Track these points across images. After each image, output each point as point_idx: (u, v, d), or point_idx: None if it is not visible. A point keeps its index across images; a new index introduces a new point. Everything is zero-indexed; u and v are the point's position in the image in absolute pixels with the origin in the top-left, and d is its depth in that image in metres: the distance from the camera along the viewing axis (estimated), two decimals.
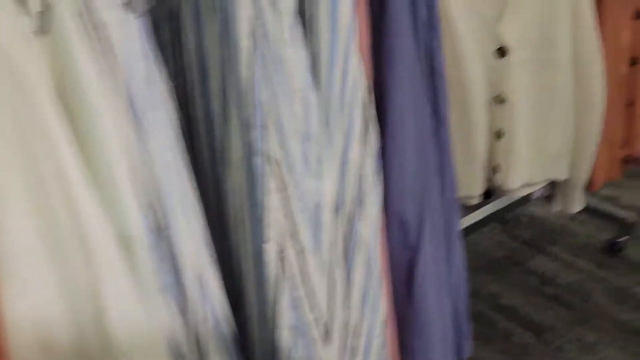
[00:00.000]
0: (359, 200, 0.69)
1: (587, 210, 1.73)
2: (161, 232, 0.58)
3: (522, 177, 1.11)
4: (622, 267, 1.62)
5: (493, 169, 1.10)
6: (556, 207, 1.24)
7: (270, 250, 0.66)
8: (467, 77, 0.99)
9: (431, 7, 0.74)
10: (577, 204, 1.21)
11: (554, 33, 1.04)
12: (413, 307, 0.81)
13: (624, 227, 1.66)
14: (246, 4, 0.57)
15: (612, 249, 1.67)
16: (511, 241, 1.78)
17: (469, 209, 1.48)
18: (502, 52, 1.01)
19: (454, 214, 0.86)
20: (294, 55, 0.59)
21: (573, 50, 1.06)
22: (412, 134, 0.73)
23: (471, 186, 1.09)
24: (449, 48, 0.96)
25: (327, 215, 0.66)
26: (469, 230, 1.69)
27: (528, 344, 1.39)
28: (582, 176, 1.17)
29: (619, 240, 1.66)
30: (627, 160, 1.36)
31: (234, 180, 0.67)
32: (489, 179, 1.13)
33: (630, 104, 1.28)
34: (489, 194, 1.18)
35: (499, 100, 1.04)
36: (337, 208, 0.68)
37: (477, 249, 1.74)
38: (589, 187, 1.22)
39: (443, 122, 0.80)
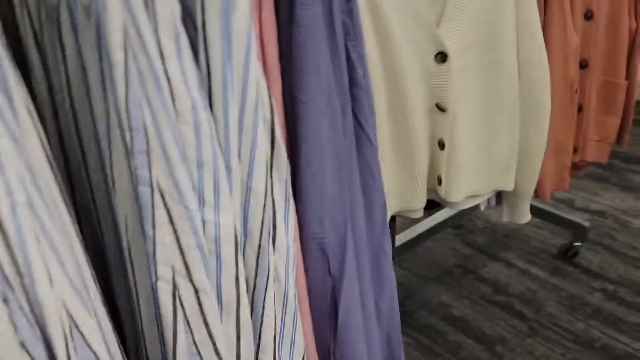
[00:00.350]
0: (268, 232, 0.61)
1: (542, 214, 1.69)
2: (21, 280, 0.49)
3: (466, 189, 1.04)
4: (576, 274, 1.58)
5: (437, 179, 1.04)
6: (505, 217, 1.18)
7: (164, 290, 0.58)
8: (405, 84, 0.92)
9: (350, 12, 0.66)
10: (525, 215, 1.15)
11: (498, 33, 0.97)
12: (338, 341, 0.73)
13: (579, 232, 1.62)
14: (116, 6, 0.48)
15: (567, 254, 1.63)
16: (465, 247, 1.73)
17: (425, 214, 1.42)
18: (442, 57, 0.94)
19: (384, 237, 0.78)
20: (177, 70, 0.50)
21: (517, 51, 1.00)
22: (330, 154, 0.66)
23: (413, 200, 1.02)
24: (384, 54, 0.89)
25: (227, 251, 0.57)
26: (422, 237, 1.64)
27: (478, 359, 1.33)
28: (530, 186, 1.11)
29: (574, 245, 1.62)
30: (580, 166, 1.31)
31: (124, 211, 0.58)
32: (434, 190, 1.07)
33: (580, 109, 1.22)
34: (432, 204, 1.11)
35: (439, 108, 0.97)
36: (241, 242, 0.59)
37: (430, 256, 1.69)
38: (539, 196, 1.16)
39: (369, 139, 0.72)
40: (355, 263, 0.72)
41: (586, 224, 1.61)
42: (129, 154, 0.55)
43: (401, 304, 0.82)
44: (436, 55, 0.94)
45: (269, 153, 0.59)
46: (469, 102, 0.98)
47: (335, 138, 0.66)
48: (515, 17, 0.97)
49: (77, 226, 0.57)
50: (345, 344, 0.75)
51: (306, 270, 0.69)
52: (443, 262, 1.66)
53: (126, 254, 0.62)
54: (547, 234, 1.73)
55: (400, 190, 1.02)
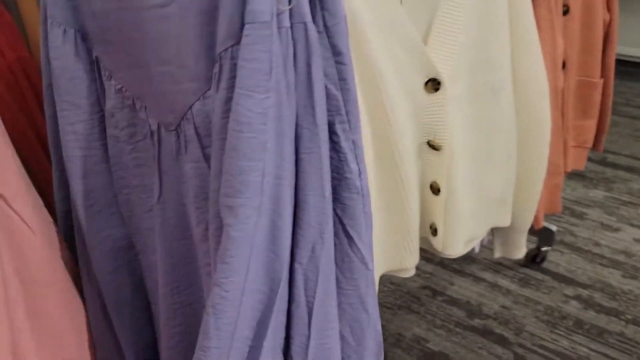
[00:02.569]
0: None
1: None
2: None
3: (464, 236, 0.87)
4: (547, 282, 1.48)
5: (431, 228, 0.85)
6: (497, 253, 1.02)
7: None
8: (394, 125, 0.72)
9: (343, 80, 0.43)
10: (522, 249, 1.00)
11: (492, 51, 0.79)
12: None
13: (546, 236, 1.51)
14: None
15: (534, 260, 1.52)
16: (426, 264, 1.57)
17: None
18: (433, 85, 0.74)
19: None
20: None
21: (513, 68, 0.83)
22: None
23: (405, 258, 0.83)
24: (368, 92, 0.68)
25: None
26: None
27: None
28: (529, 217, 0.95)
29: (541, 250, 1.51)
30: None
31: None
32: (425, 240, 0.88)
33: (562, 115, 1.08)
34: None
35: (432, 147, 0.78)
36: None
37: (394, 280, 1.52)
38: (532, 226, 1.01)
39: (362, 260, 0.50)
40: None
41: (553, 227, 1.50)
42: None
43: None
44: (426, 84, 0.74)
45: None
46: (464, 136, 0.80)
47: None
48: (511, 34, 0.80)
49: None
50: None
51: None
52: (408, 285, 1.50)
53: None
54: None
55: (389, 248, 0.82)
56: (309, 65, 0.41)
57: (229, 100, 0.39)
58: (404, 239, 0.82)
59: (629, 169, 1.92)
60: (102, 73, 0.47)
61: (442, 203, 0.81)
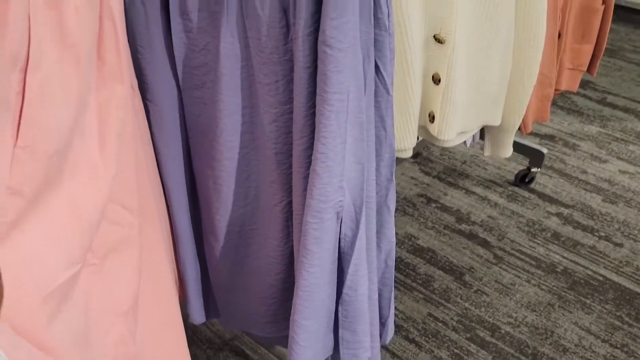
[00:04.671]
0: None
1: None
2: None
3: (458, 125, 0.99)
4: (533, 199, 1.61)
5: (429, 116, 0.97)
6: (487, 152, 1.15)
7: None
8: (407, 12, 0.83)
9: None
10: (508, 149, 1.13)
11: None
12: (344, 300, 0.68)
13: (536, 158, 1.63)
14: None
15: (524, 180, 1.65)
16: (424, 176, 1.71)
17: None
18: None
19: (388, 193, 0.72)
20: None
21: None
22: (353, 111, 0.57)
23: (404, 138, 0.96)
24: None
25: None
26: None
27: (449, 289, 1.34)
28: (517, 119, 1.07)
29: (531, 170, 1.64)
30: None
31: None
32: (423, 128, 1.01)
33: (558, 36, 1.18)
34: None
35: (437, 40, 0.89)
36: None
37: None
38: (521, 130, 1.13)
39: (386, 89, 0.64)
40: (365, 222, 0.66)
41: (544, 150, 1.62)
42: None
43: None
44: None
45: None
46: (467, 32, 0.91)
47: (358, 91, 0.58)
48: None
49: None
50: (352, 304, 0.70)
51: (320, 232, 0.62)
52: (405, 192, 1.64)
53: None
54: (503, 160, 1.74)
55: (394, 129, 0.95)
56: None
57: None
58: (407, 121, 0.94)
59: (625, 110, 2.02)
60: None
61: (440, 92, 0.93)
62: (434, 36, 0.89)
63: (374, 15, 0.59)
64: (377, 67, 0.61)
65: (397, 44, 0.86)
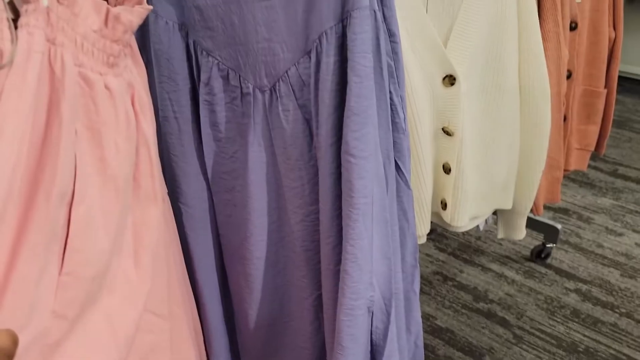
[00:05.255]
0: None
1: None
2: None
3: (470, 212, 1.01)
4: (550, 275, 1.61)
5: (441, 203, 1.00)
6: (500, 234, 1.17)
7: None
8: (416, 110, 0.87)
9: (395, 53, 0.60)
10: (521, 231, 1.14)
11: (502, 56, 0.94)
12: None
13: (551, 233, 1.64)
14: None
15: (540, 256, 1.65)
16: (439, 253, 1.72)
17: None
18: (449, 79, 0.90)
19: (414, 279, 0.74)
20: None
21: (520, 78, 0.98)
22: (378, 209, 0.60)
23: (418, 226, 0.98)
24: None
25: None
26: None
27: None
28: (528, 203, 1.09)
29: (547, 246, 1.64)
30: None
31: None
32: (436, 215, 1.03)
33: (564, 119, 1.22)
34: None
35: (445, 132, 0.93)
36: None
37: None
38: (532, 212, 1.15)
39: (406, 184, 0.68)
40: (395, 313, 0.68)
41: (558, 226, 1.63)
42: None
43: None
44: (444, 79, 0.90)
45: None
46: (473, 124, 0.95)
47: (381, 192, 0.61)
48: (519, 44, 0.95)
49: None
50: None
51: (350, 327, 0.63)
52: (421, 270, 1.64)
53: None
54: None
55: None
56: (377, 38, 0.57)
57: (336, 62, 0.56)
58: (420, 210, 0.97)
59: (638, 181, 2.04)
60: (199, 52, 0.63)
61: (452, 181, 0.96)
62: (443, 129, 0.94)
63: (392, 121, 0.63)
64: (397, 165, 0.65)
65: (410, 138, 0.90)
